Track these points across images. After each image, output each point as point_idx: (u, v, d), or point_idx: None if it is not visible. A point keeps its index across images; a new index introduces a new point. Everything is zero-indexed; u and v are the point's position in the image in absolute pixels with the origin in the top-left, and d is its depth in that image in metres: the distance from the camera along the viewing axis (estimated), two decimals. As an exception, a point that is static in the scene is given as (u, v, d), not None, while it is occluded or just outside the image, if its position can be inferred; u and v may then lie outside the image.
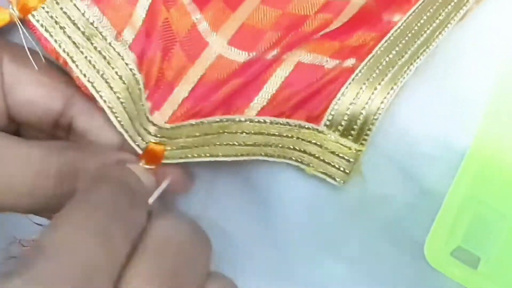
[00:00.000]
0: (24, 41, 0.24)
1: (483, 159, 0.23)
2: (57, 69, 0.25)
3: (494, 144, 0.23)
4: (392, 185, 0.25)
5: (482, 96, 0.24)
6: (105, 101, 0.24)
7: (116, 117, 0.24)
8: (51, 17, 0.24)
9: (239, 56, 0.26)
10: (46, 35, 0.24)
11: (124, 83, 0.24)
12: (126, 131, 0.25)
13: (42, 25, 0.24)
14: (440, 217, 0.23)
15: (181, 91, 0.25)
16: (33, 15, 0.24)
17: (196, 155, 0.25)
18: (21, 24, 0.24)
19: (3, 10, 0.24)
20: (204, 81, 0.25)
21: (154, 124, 0.25)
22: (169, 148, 0.25)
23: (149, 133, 0.25)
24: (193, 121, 0.25)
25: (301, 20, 0.26)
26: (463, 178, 0.24)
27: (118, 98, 0.24)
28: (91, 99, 0.24)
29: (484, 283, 0.23)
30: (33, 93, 0.24)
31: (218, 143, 0.25)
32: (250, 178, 0.27)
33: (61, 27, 0.24)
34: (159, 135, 0.25)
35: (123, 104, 0.24)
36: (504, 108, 0.24)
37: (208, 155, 0.25)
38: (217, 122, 0.25)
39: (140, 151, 0.25)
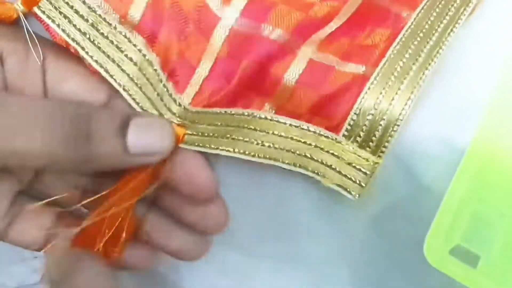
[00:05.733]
0: (27, 35, 0.24)
1: (483, 157, 0.23)
2: None
3: (493, 143, 0.24)
4: (394, 181, 0.25)
5: (483, 96, 0.24)
6: (119, 84, 0.24)
7: (134, 99, 0.24)
8: (55, 8, 0.24)
9: (252, 29, 0.25)
10: (53, 26, 0.24)
11: (135, 64, 0.24)
12: (146, 111, 0.25)
13: (48, 17, 0.24)
14: (439, 216, 0.23)
15: (202, 70, 0.25)
16: (38, 7, 0.24)
17: (213, 146, 0.25)
18: (24, 19, 0.24)
19: (10, 6, 0.24)
20: (221, 58, 0.25)
21: (180, 105, 0.25)
22: (189, 132, 0.25)
23: (173, 113, 0.25)
24: (217, 110, 0.25)
25: (308, 4, 0.26)
26: (463, 176, 0.24)
27: (132, 79, 0.24)
28: None
29: (483, 281, 0.23)
30: (77, 88, 0.24)
31: (236, 138, 0.25)
32: (263, 181, 0.27)
33: (65, 17, 0.24)
34: (182, 117, 0.25)
35: (138, 85, 0.24)
36: (503, 107, 0.24)
37: (224, 148, 0.25)
38: (239, 114, 0.25)
39: None
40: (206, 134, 0.25)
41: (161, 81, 0.25)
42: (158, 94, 0.25)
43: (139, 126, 0.23)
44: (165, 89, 0.25)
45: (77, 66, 0.24)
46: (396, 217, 0.25)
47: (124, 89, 0.24)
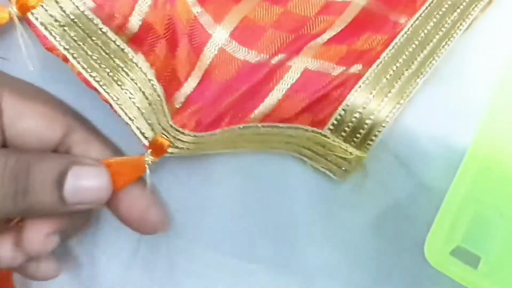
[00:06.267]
0: (21, 40, 0.24)
1: (483, 159, 0.24)
2: (56, 98, 0.25)
3: (494, 144, 0.24)
4: (393, 181, 0.25)
5: (483, 98, 0.24)
6: (108, 93, 0.24)
7: (121, 108, 0.24)
8: (50, 15, 0.24)
9: (240, 52, 0.26)
10: (45, 33, 0.24)
11: (127, 74, 0.24)
12: (131, 120, 0.24)
13: (41, 23, 0.24)
14: (440, 217, 0.24)
15: (188, 86, 0.25)
16: (32, 13, 0.24)
17: (201, 153, 0.26)
18: (19, 23, 0.24)
19: (3, 8, 0.24)
20: (208, 78, 0.25)
21: (168, 122, 0.25)
22: (174, 145, 0.25)
23: (160, 125, 0.25)
24: (197, 134, 0.25)
25: (302, 21, 0.26)
26: (463, 177, 0.24)
27: (122, 89, 0.24)
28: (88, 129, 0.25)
29: (484, 282, 0.23)
30: (34, 125, 0.24)
31: (221, 143, 0.25)
32: (256, 169, 0.27)
33: (60, 25, 0.24)
34: (166, 133, 0.25)
35: (127, 94, 0.24)
36: (504, 108, 0.24)
37: (209, 150, 0.26)
38: (223, 131, 0.25)
39: (146, 143, 0.24)
40: (190, 149, 0.25)
41: (155, 90, 0.24)
42: (150, 103, 0.24)
43: (76, 177, 0.23)
44: (159, 100, 0.24)
45: (33, 103, 0.25)
46: (396, 217, 0.26)
47: (111, 97, 0.24)
